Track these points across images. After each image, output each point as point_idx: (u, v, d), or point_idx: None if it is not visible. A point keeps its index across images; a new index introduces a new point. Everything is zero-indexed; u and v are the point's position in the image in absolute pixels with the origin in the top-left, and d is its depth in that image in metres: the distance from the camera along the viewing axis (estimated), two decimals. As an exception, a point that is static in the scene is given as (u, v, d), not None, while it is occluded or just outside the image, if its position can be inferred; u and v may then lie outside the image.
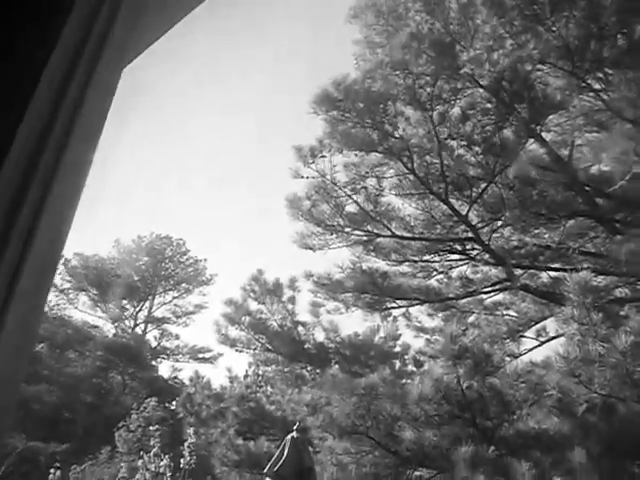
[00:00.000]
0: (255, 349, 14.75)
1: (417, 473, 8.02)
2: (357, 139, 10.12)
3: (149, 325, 37.52)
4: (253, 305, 14.36)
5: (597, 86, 9.37)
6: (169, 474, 12.62)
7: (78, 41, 1.04)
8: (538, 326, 11.53)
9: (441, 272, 11.75)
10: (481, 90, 9.60)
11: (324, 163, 10.42)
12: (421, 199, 10.63)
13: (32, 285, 0.97)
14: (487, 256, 10.50)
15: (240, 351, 14.76)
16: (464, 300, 11.99)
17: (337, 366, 12.77)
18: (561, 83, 9.33)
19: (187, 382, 17.42)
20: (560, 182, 9.39)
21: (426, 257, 11.45)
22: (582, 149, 10.21)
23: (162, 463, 13.05)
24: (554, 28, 8.77)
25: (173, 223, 41.49)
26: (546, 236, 10.45)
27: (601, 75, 9.26)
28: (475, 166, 9.97)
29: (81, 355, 29.83)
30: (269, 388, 16.19)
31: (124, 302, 37.00)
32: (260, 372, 17.58)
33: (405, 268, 11.76)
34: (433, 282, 11.88)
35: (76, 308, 35.83)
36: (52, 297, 33.97)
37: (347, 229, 10.91)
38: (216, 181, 40.41)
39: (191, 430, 13.84)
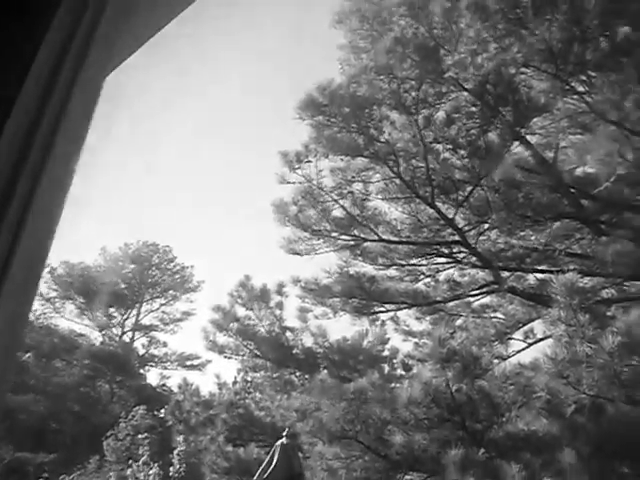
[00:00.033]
0: (243, 355, 14.70)
1: (407, 477, 8.02)
2: (343, 144, 10.13)
3: (136, 333, 37.37)
4: (241, 311, 14.32)
5: (581, 88, 9.42)
6: (159, 482, 12.57)
7: (65, 37, 1.04)
8: (526, 328, 11.56)
9: (428, 275, 11.77)
10: (466, 94, 9.63)
11: (310, 168, 10.42)
12: (407, 203, 10.63)
13: (21, 279, 0.97)
14: (474, 259, 10.53)
15: (228, 357, 14.71)
16: (452, 303, 12.01)
17: (326, 371, 12.76)
18: (545, 86, 9.37)
19: (175, 389, 17.33)
20: (545, 184, 9.43)
21: (413, 261, 11.46)
22: (567, 151, 10.26)
23: (151, 472, 13.01)
24: (537, 31, 8.80)
25: (159, 230, 41.35)
26: (532, 238, 10.48)
27: (584, 78, 9.31)
28: (461, 169, 9.99)
29: (68, 364, 29.66)
30: (258, 394, 16.13)
31: (111, 310, 36.84)
32: (249, 378, 17.55)
33: (392, 272, 11.77)
34: (420, 286, 11.90)
35: (62, 317, 35.65)
36: (38, 306, 33.79)
37: (334, 234, 10.90)
38: (202, 187, 40.37)
39: (180, 438, 13.80)
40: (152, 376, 34.59)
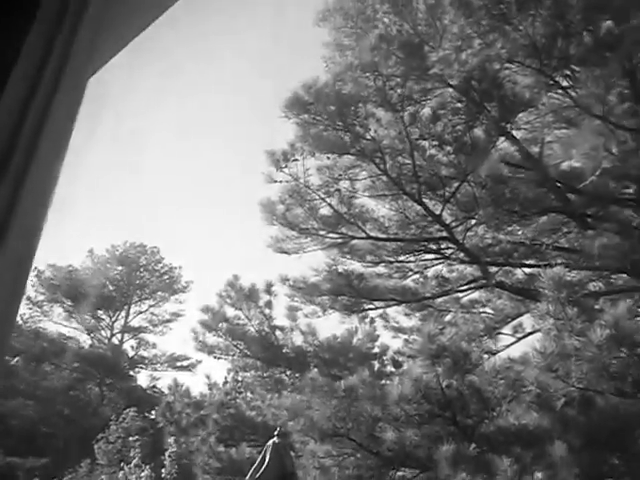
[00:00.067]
0: (233, 355, 14.67)
1: (400, 473, 8.02)
2: (329, 142, 10.12)
3: (126, 335, 37.24)
4: (230, 311, 14.29)
5: (565, 83, 9.46)
6: (151, 484, 12.53)
7: (47, 38, 1.03)
8: (515, 322, 11.62)
9: (417, 272, 11.79)
10: (451, 90, 9.64)
11: (297, 167, 10.41)
12: (394, 200, 10.65)
13: (8, 281, 0.96)
14: (462, 255, 10.55)
15: (218, 358, 14.68)
16: (440, 299, 12.04)
17: (316, 369, 12.75)
18: (529, 81, 9.41)
19: (166, 391, 17.29)
20: (532, 179, 9.47)
21: (401, 257, 11.48)
22: (552, 146, 10.32)
23: (143, 474, 12.97)
24: (521, 27, 8.84)
25: (147, 231, 41.23)
26: (519, 233, 10.53)
27: (568, 72, 9.35)
28: (447, 165, 10.01)
29: (57, 367, 29.53)
30: (249, 394, 16.12)
31: (99, 312, 36.70)
32: (239, 378, 17.53)
33: (381, 269, 11.79)
34: (409, 282, 11.93)
35: (51, 320, 35.45)
36: (26, 310, 33.63)
37: (322, 232, 10.90)
38: (188, 186, 40.26)
39: (172, 439, 13.76)
40: (142, 378, 34.56)
